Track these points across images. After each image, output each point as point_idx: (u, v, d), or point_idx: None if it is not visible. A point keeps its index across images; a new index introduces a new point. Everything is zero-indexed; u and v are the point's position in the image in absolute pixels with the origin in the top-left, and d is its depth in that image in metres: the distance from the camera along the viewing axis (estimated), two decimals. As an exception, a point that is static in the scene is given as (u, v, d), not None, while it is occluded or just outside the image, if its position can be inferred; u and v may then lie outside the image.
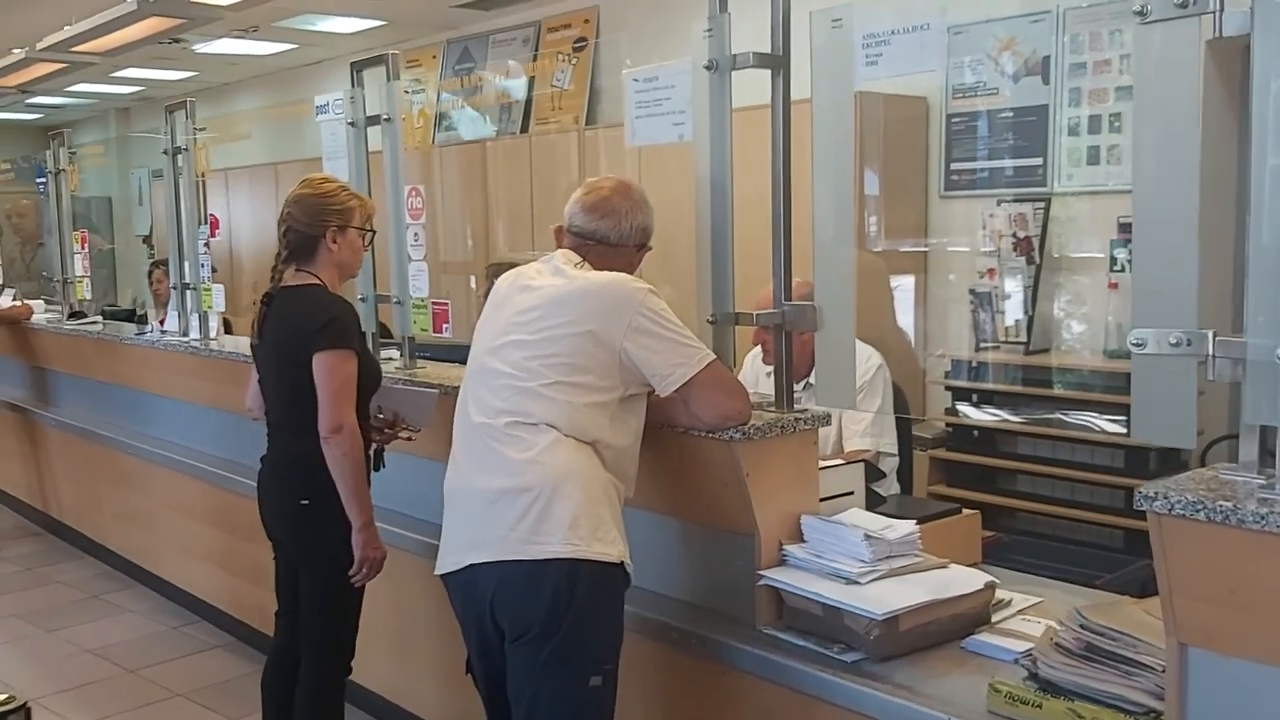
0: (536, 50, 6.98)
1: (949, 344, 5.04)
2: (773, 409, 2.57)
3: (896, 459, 3.49)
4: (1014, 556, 3.62)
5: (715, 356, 2.38)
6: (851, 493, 2.73)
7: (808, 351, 3.47)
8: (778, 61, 2.50)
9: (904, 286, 5.15)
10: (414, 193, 3.39)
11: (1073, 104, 4.71)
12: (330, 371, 2.75)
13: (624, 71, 2.68)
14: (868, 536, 2.41)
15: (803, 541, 2.52)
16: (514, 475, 2.26)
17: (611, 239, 2.49)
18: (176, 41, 7.27)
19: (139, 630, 4.68)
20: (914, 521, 2.54)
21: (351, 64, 3.58)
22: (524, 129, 6.97)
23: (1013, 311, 4.74)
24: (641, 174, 5.66)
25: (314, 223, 2.87)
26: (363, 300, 3.56)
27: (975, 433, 4.89)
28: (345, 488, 2.77)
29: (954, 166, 5.15)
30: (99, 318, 5.74)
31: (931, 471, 4.95)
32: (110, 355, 5.29)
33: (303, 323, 2.78)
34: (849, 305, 2.45)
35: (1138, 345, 1.93)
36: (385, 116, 3.43)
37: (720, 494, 2.54)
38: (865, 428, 3.37)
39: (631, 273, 2.53)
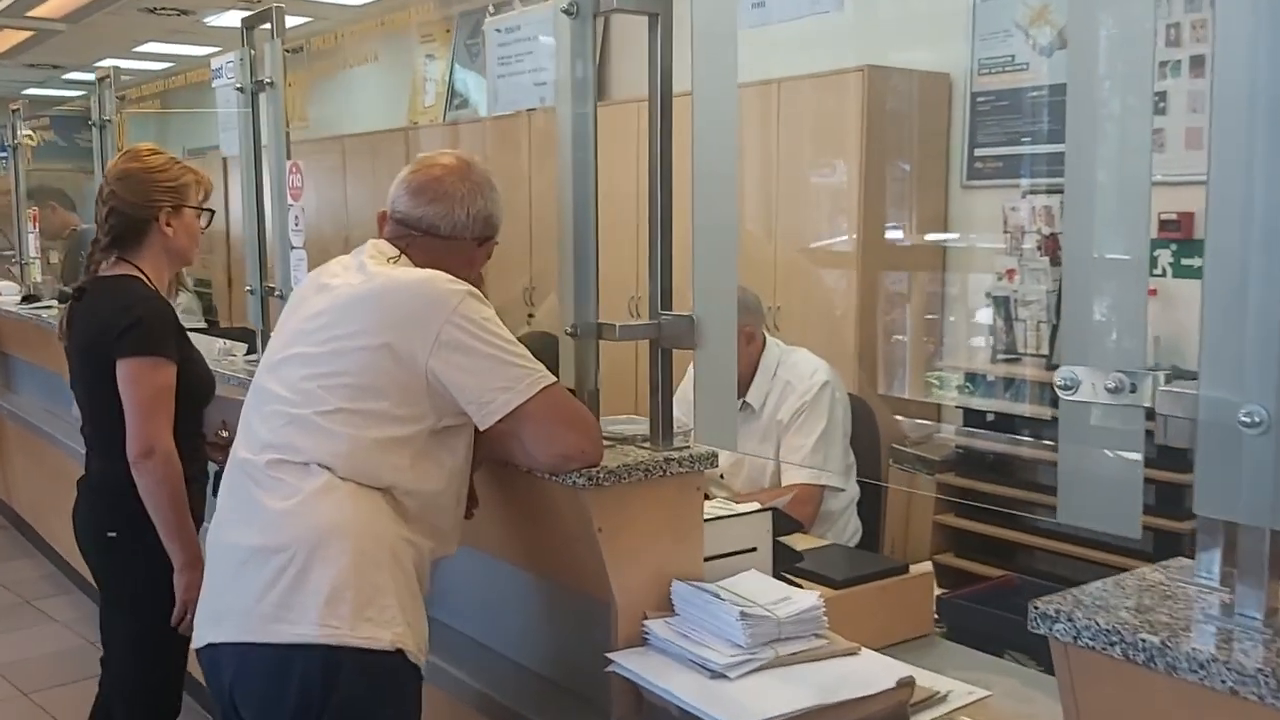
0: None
1: (962, 355, 4.45)
2: (645, 445, 2.05)
3: (850, 493, 2.94)
4: (1023, 601, 3.06)
5: (555, 380, 1.87)
6: (754, 549, 2.19)
7: (747, 357, 2.95)
8: (655, 5, 1.96)
9: (901, 287, 4.57)
10: (294, 169, 2.91)
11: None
12: (136, 382, 2.29)
13: (486, 21, 2.17)
14: (744, 615, 1.88)
15: (673, 613, 1.99)
16: (267, 531, 1.77)
17: (442, 229, 1.98)
18: (185, 13, 6.91)
19: (55, 645, 4.32)
20: (816, 594, 2.01)
21: (242, 20, 3.11)
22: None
23: (1034, 319, 4.12)
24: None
25: (143, 203, 2.42)
26: (251, 293, 3.11)
27: (989, 457, 4.28)
28: (161, 521, 2.31)
29: (978, 153, 4.54)
30: (54, 302, 5.39)
31: (939, 500, 4.37)
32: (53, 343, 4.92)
33: (106, 325, 2.33)
34: (730, 318, 1.91)
35: (1065, 388, 1.39)
36: (268, 80, 2.96)
37: (573, 550, 2.03)
38: (804, 458, 2.83)
39: (471, 272, 2.02)
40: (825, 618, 1.98)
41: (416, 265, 1.95)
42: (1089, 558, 4.01)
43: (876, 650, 2.26)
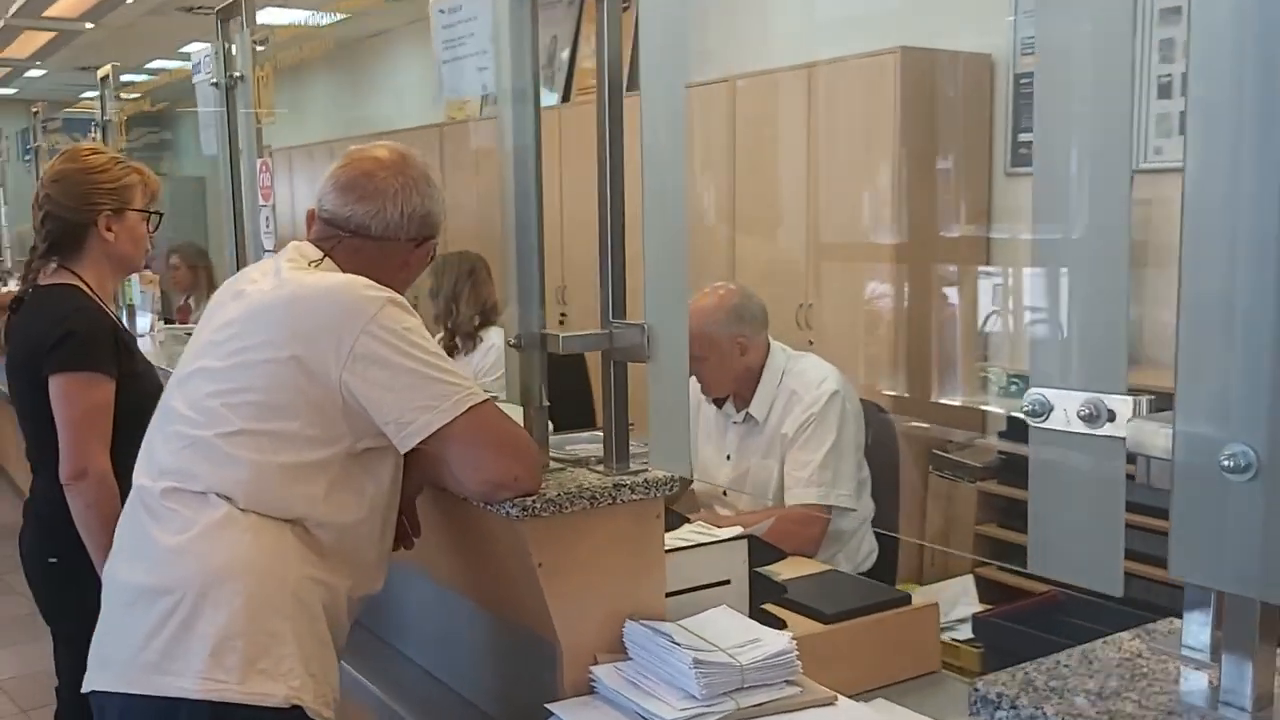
0: (581, 11, 6.29)
1: (1006, 354, 4.17)
2: (598, 467, 1.84)
3: (863, 511, 2.70)
4: (1068, 620, 2.81)
5: (485, 397, 1.67)
6: (726, 581, 1.97)
7: (743, 367, 2.73)
8: (602, -20, 1.75)
9: (942, 282, 4.29)
10: (264, 168, 2.75)
11: (1164, 59, 3.76)
12: (68, 400, 2.14)
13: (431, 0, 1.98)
14: (699, 662, 1.66)
15: (625, 655, 1.79)
16: (155, 569, 1.60)
17: (373, 229, 1.79)
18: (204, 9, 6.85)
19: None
20: (788, 636, 1.78)
21: (216, 12, 2.96)
22: (565, 98, 6.30)
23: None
24: (703, 150, 4.94)
25: (81, 207, 2.27)
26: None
27: (1035, 463, 3.99)
28: (94, 546, 2.16)
29: (1022, 137, 4.25)
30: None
31: (980, 508, 4.08)
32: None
33: (38, 337, 2.18)
34: (681, 329, 1.70)
35: (1033, 414, 1.16)
36: (239, 75, 2.80)
37: (515, 586, 1.83)
38: (811, 475, 2.59)
39: (407, 276, 1.84)
40: (799, 662, 1.76)
41: (342, 269, 1.76)
42: (1143, 573, 3.71)
43: (876, 690, 2.04)
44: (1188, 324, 0.95)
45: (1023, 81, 4.24)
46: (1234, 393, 0.92)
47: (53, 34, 5.96)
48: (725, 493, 2.82)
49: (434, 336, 4.24)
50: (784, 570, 2.27)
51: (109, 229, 2.28)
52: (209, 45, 2.96)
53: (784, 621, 2.04)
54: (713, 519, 2.47)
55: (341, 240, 1.79)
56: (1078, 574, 1.17)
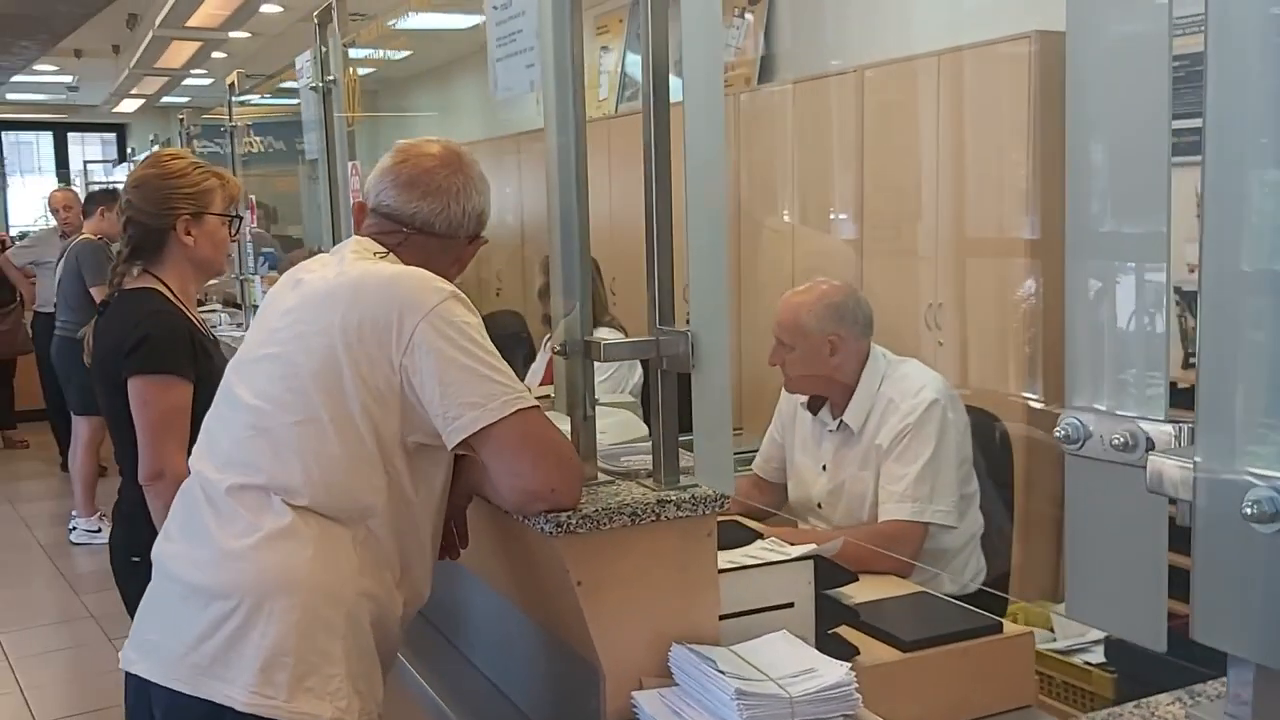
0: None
1: (1144, 360, 3.87)
2: (647, 481, 1.75)
3: (969, 528, 2.53)
4: (1206, 646, 2.59)
5: (536, 404, 1.61)
6: (790, 604, 1.85)
7: (830, 368, 2.59)
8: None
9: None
10: (354, 171, 2.75)
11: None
12: (145, 403, 2.17)
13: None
14: (741, 694, 1.56)
15: (670, 681, 1.69)
16: (213, 571, 1.61)
17: (438, 227, 1.77)
18: (359, 16, 7.01)
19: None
20: (847, 666, 1.66)
21: (315, 16, 2.97)
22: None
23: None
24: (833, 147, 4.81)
25: (161, 211, 2.30)
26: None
27: (1177, 475, 3.70)
28: None
29: (1174, 125, 3.94)
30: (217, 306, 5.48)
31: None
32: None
33: (117, 341, 2.22)
34: (723, 336, 1.59)
35: (1069, 441, 1.03)
36: (331, 78, 2.80)
37: (556, 604, 1.76)
38: (906, 489, 2.43)
39: (459, 271, 1.84)
40: (858, 694, 1.63)
41: (408, 265, 1.74)
42: None
43: (959, 725, 1.90)
44: (1208, 346, 0.81)
45: (1175, 65, 3.94)
46: (1257, 425, 0.77)
47: (198, 44, 6.20)
48: (820, 505, 2.68)
49: (544, 337, 4.23)
50: (868, 592, 2.13)
51: (188, 233, 2.31)
52: (309, 51, 2.98)
53: (857, 648, 1.91)
54: (792, 535, 2.35)
55: (406, 237, 1.77)
56: (1117, 625, 1.04)
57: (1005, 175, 4.10)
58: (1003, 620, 2.05)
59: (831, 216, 4.85)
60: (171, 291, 2.31)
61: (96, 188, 9.30)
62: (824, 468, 2.67)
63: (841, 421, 2.60)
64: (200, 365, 2.24)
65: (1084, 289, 1.02)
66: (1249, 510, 0.76)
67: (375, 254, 1.75)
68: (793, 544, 2.08)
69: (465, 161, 1.81)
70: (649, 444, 1.89)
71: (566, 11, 1.68)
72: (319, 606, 1.58)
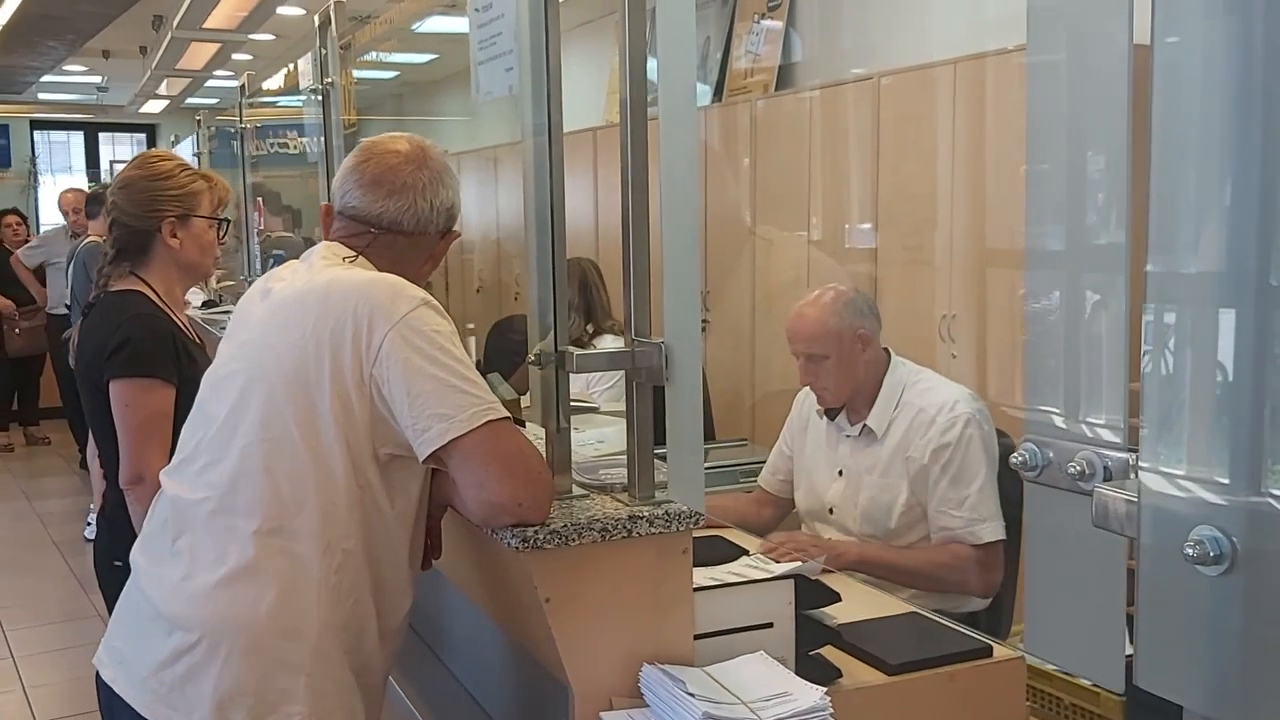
0: (734, 11, 6.13)
1: (1105, 385, 3.78)
2: (622, 495, 1.71)
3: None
4: None
5: (505, 415, 1.57)
6: (769, 624, 1.80)
7: (865, 367, 2.54)
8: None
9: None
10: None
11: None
12: (127, 405, 2.15)
13: (470, -1, 1.89)
14: (709, 717, 1.51)
15: (641, 702, 1.65)
16: (177, 601, 1.58)
17: (406, 225, 1.73)
18: (358, 18, 7.01)
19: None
20: (822, 690, 1.61)
21: (316, 18, 2.95)
22: (719, 97, 6.15)
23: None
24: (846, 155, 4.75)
25: (146, 213, 2.28)
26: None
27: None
28: None
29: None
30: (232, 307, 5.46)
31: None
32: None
33: (98, 343, 2.20)
34: (695, 348, 1.55)
35: (1027, 468, 0.99)
36: (328, 81, 2.78)
37: (525, 619, 1.72)
38: (972, 509, 2.42)
39: (433, 267, 1.81)
40: (833, 719, 1.58)
41: (378, 268, 1.71)
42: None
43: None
44: (1153, 373, 0.76)
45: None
46: (1203, 458, 0.72)
47: (217, 45, 6.21)
48: (831, 510, 2.63)
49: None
50: (853, 612, 2.08)
51: (174, 235, 2.28)
52: (310, 54, 2.96)
53: (839, 670, 1.86)
54: (803, 542, 2.32)
55: (375, 238, 1.73)
56: (1075, 662, 0.99)
57: (1022, 185, 4.02)
58: (993, 644, 1.99)
59: (847, 226, 4.78)
60: (157, 294, 2.29)
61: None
62: (840, 472, 2.62)
63: (864, 426, 2.55)
64: (184, 369, 2.21)
65: (1043, 306, 0.97)
66: (1190, 551, 0.71)
67: (344, 259, 1.71)
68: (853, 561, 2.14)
69: (431, 156, 1.76)
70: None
71: (543, 14, 1.64)
72: (279, 648, 1.55)
